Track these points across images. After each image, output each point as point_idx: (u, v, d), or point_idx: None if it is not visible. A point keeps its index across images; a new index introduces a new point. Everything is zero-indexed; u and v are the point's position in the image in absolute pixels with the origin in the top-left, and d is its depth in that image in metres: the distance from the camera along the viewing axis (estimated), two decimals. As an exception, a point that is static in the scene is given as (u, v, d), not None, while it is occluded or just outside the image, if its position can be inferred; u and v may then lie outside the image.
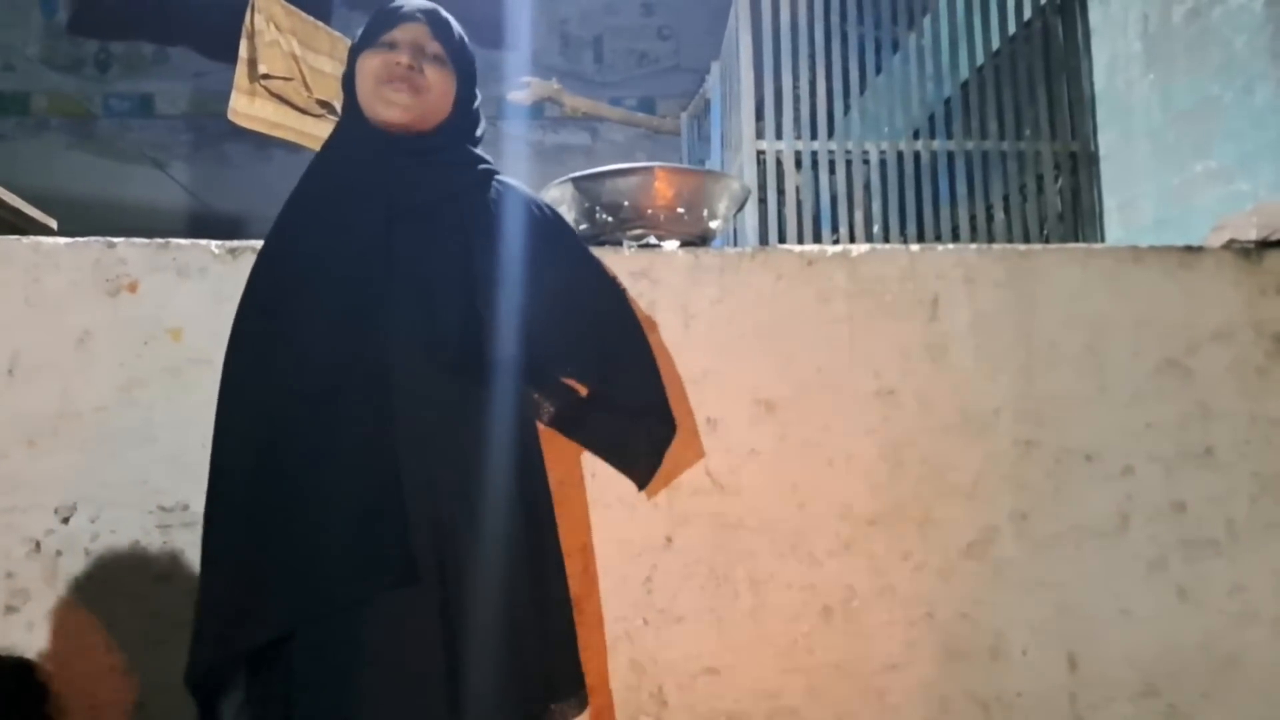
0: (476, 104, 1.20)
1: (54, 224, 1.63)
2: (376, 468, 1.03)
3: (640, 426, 1.24)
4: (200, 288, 1.42)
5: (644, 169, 1.54)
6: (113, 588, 1.36)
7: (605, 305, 1.24)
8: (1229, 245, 1.55)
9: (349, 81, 1.15)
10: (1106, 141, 3.22)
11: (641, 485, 1.26)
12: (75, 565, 1.36)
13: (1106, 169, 3.22)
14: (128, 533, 1.37)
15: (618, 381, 1.23)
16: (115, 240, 1.43)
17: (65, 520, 1.36)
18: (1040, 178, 3.46)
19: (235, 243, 1.44)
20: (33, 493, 1.36)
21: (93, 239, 1.43)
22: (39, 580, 1.35)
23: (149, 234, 1.47)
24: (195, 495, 1.35)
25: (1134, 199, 3.00)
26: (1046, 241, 3.40)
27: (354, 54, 1.15)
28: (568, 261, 1.22)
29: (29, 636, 1.33)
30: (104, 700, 1.33)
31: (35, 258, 1.41)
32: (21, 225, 1.57)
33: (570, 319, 1.19)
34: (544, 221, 1.20)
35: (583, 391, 1.24)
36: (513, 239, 1.14)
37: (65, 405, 1.38)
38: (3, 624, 1.33)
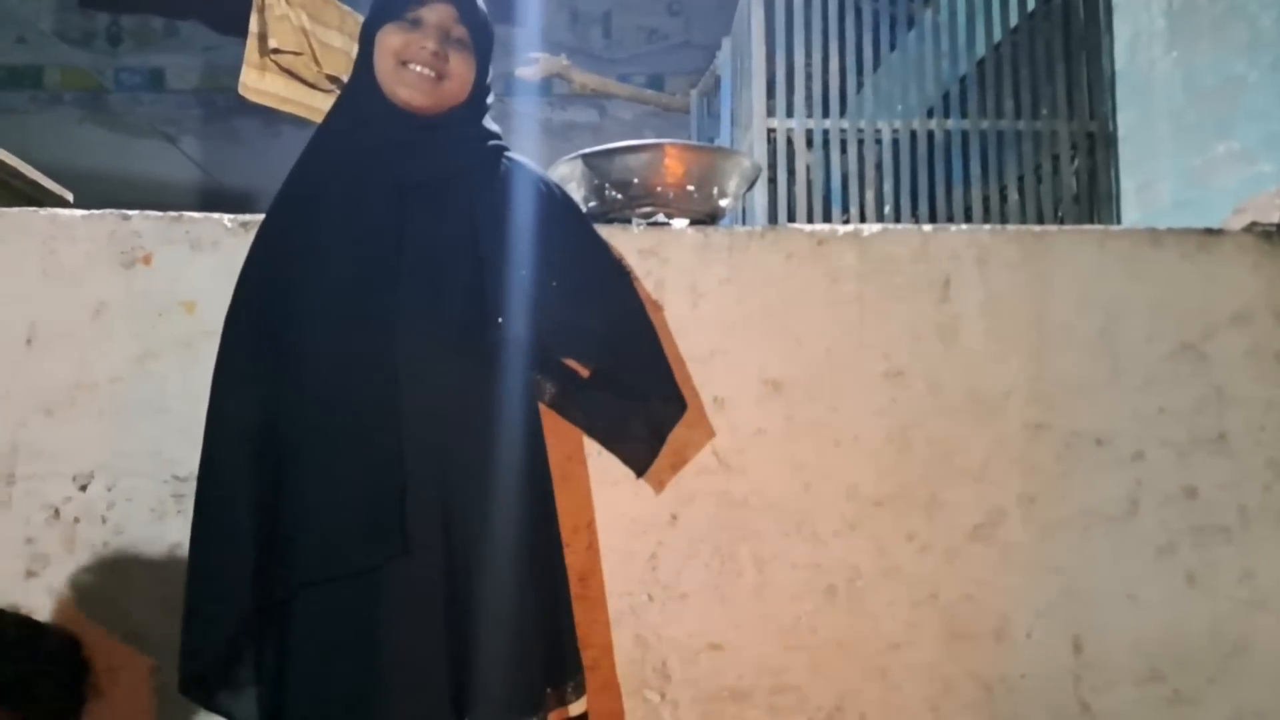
0: (489, 81, 1.19)
1: (70, 196, 1.64)
2: (378, 441, 1.03)
3: (640, 409, 1.22)
4: (213, 261, 1.42)
5: (654, 146, 1.53)
6: (129, 554, 1.38)
7: (609, 286, 1.23)
8: (1250, 228, 1.53)
9: (366, 48, 1.13)
10: (1126, 121, 3.16)
11: (640, 471, 1.24)
12: (93, 532, 1.38)
13: (1125, 149, 3.17)
14: (143, 500, 1.38)
15: (620, 363, 1.22)
16: (130, 213, 1.44)
17: (83, 488, 1.38)
18: (1056, 158, 3.41)
19: (247, 216, 1.44)
20: (52, 461, 1.38)
21: (108, 211, 1.44)
22: (58, 546, 1.37)
23: (159, 207, 1.48)
24: (208, 467, 1.37)
25: (1152, 180, 2.96)
26: (1061, 223, 3.37)
27: (375, 20, 1.12)
28: (573, 240, 1.20)
29: (48, 601, 1.36)
30: (120, 664, 1.36)
31: (52, 229, 1.42)
32: (38, 197, 1.58)
33: (573, 298, 1.18)
34: (550, 200, 1.18)
35: (584, 373, 1.24)
36: (518, 217, 1.13)
37: (82, 375, 1.40)
38: (24, 588, 1.35)
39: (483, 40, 1.15)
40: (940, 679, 1.43)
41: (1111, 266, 1.51)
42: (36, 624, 1.32)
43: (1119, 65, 3.20)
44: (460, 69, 1.12)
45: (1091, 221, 3.32)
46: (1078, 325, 1.49)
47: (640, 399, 1.22)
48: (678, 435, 1.29)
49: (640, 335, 1.23)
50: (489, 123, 1.19)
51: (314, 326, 1.06)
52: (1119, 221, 3.19)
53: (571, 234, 1.20)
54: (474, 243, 1.10)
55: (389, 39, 1.10)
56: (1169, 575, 1.46)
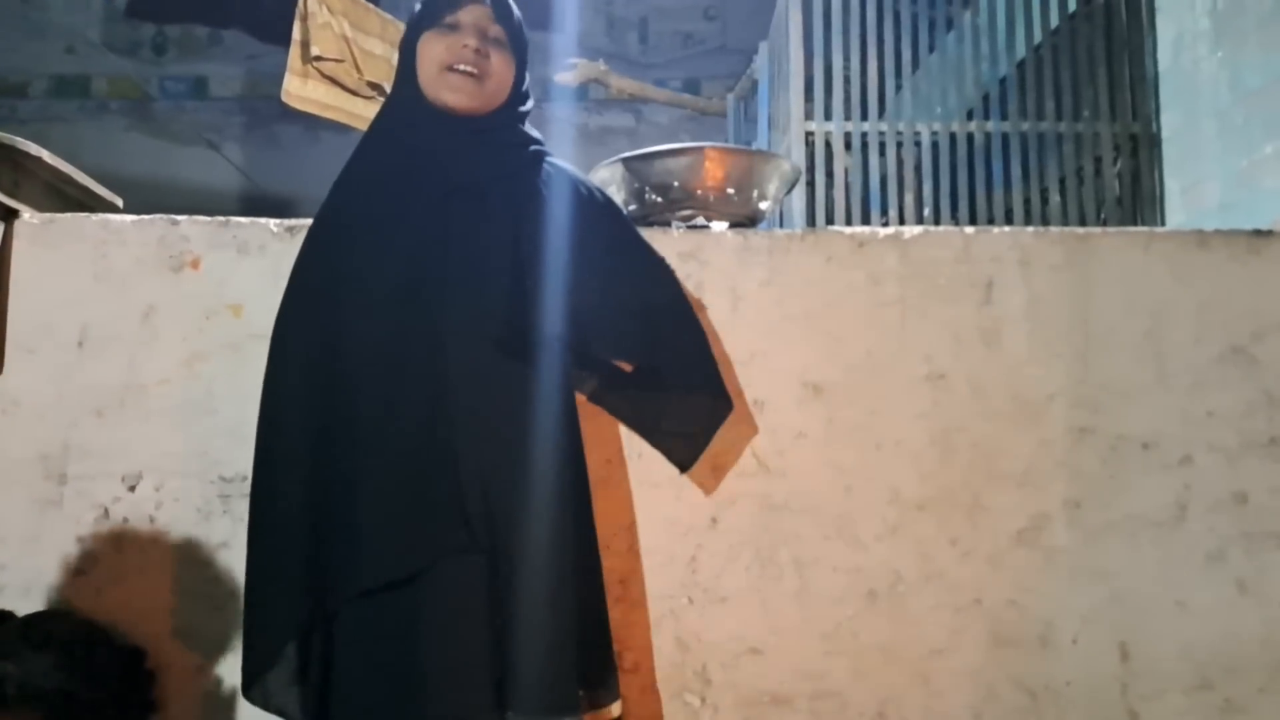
0: (526, 85, 1.20)
1: (120, 202, 1.68)
2: (431, 441, 1.04)
3: (684, 403, 1.23)
4: (260, 265, 1.45)
5: (694, 149, 1.53)
6: (176, 554, 1.40)
7: (652, 285, 1.23)
8: (1302, 229, 1.50)
9: (408, 57, 1.15)
10: (1170, 122, 3.10)
11: (684, 467, 1.26)
12: (141, 532, 1.41)
13: (1169, 151, 3.11)
14: (190, 501, 1.41)
15: (664, 360, 1.23)
16: (179, 218, 1.47)
17: (132, 488, 1.41)
18: (1099, 160, 3.35)
19: (293, 221, 1.47)
20: (102, 461, 1.41)
21: (157, 216, 1.47)
22: (107, 545, 1.40)
23: (203, 213, 1.51)
24: (254, 466, 1.39)
25: (1198, 182, 2.89)
26: (1105, 226, 3.31)
27: (414, 30, 1.15)
28: (615, 242, 1.22)
29: (98, 599, 1.38)
30: (167, 662, 1.38)
31: (103, 234, 1.46)
32: (89, 203, 1.62)
33: (616, 299, 1.19)
34: (592, 202, 1.20)
35: (628, 369, 1.24)
36: (561, 219, 1.15)
37: (131, 377, 1.43)
38: (73, 587, 1.38)
39: (518, 41, 1.16)
40: (984, 686, 1.41)
41: (1157, 269, 1.48)
42: (96, 630, 1.29)
43: (1162, 66, 3.14)
44: (500, 68, 1.14)
45: (1135, 224, 3.26)
46: (1123, 328, 1.47)
47: (685, 393, 1.23)
48: (720, 438, 1.29)
49: (685, 332, 1.23)
50: (530, 128, 1.20)
51: (363, 332, 1.07)
52: (1163, 224, 3.12)
53: (612, 234, 1.22)
54: (516, 246, 1.11)
55: (430, 46, 1.12)
56: (1219, 582, 1.42)
